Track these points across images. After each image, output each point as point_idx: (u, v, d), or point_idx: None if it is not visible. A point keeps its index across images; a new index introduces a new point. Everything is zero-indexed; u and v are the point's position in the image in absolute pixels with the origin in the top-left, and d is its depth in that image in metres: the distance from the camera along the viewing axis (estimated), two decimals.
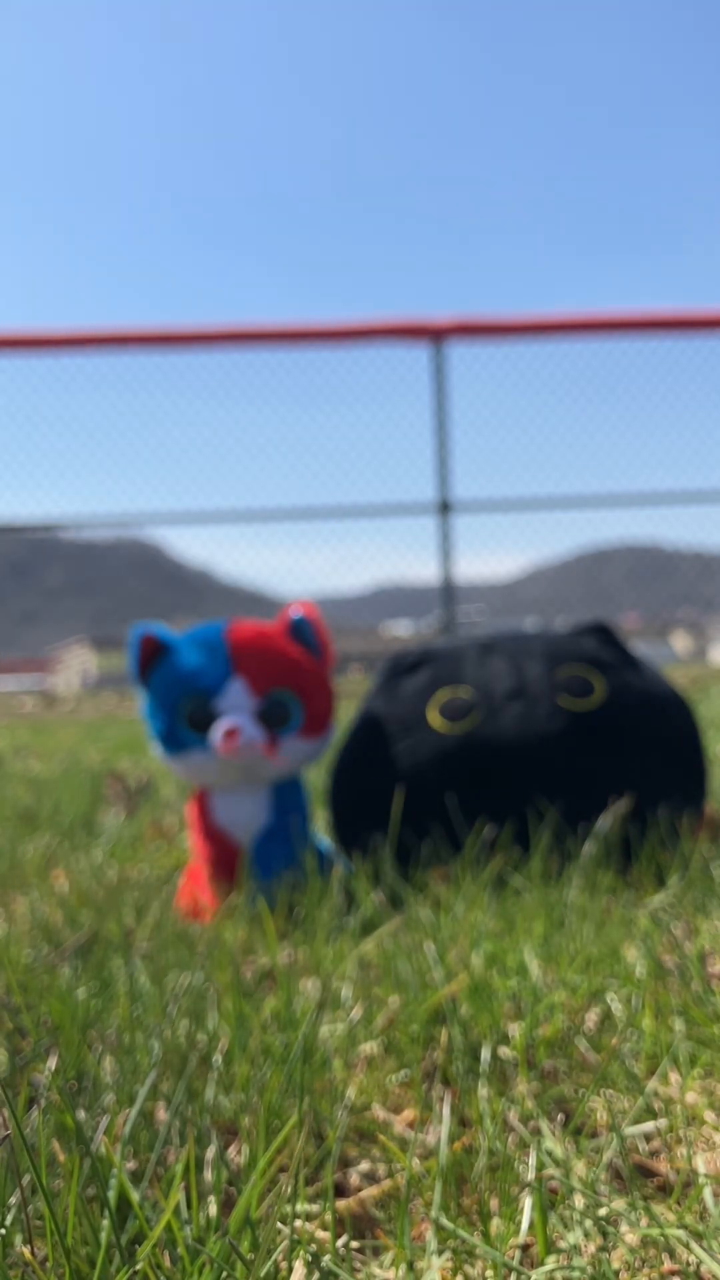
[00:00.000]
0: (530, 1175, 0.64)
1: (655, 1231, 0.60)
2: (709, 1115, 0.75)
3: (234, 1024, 0.88)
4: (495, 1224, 0.63)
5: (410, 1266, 0.58)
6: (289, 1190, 0.62)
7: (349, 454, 5.52)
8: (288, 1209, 0.61)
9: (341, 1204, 0.68)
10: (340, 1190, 0.71)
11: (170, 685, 1.43)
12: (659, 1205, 0.65)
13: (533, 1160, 0.65)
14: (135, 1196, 0.59)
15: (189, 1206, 0.64)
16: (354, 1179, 0.72)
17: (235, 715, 1.39)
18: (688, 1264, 0.58)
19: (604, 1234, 0.60)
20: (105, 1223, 0.57)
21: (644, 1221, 0.61)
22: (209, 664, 1.42)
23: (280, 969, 1.02)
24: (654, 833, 1.45)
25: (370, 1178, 0.72)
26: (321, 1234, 0.64)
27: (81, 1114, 0.75)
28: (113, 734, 6.11)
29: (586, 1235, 0.60)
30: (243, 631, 1.46)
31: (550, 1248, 0.60)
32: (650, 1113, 0.76)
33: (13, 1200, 0.62)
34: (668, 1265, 0.59)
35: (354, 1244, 0.64)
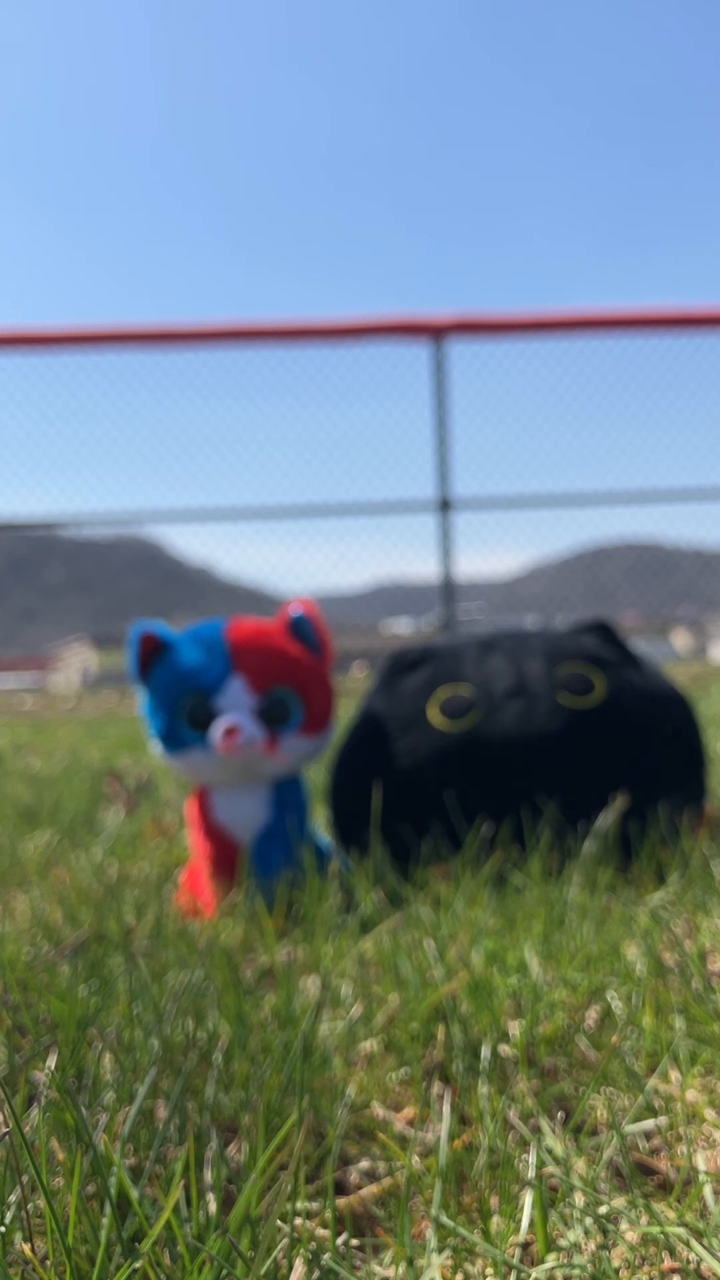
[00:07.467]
0: (530, 1173, 0.64)
1: (655, 1229, 0.60)
2: (709, 1113, 0.75)
3: (234, 1022, 0.88)
4: (495, 1222, 0.63)
5: (410, 1264, 0.58)
6: (289, 1188, 0.62)
7: (349, 451, 5.53)
8: (288, 1207, 0.61)
9: (341, 1202, 0.68)
10: (340, 1188, 0.71)
11: (170, 683, 1.43)
12: (659, 1203, 0.65)
13: (533, 1158, 0.65)
14: (135, 1194, 0.59)
15: (189, 1204, 0.64)
16: (354, 1177, 0.72)
17: (235, 713, 1.39)
18: (688, 1262, 0.58)
19: (604, 1232, 0.60)
20: (105, 1220, 0.57)
21: (644, 1219, 0.61)
22: (208, 662, 1.42)
23: (280, 967, 1.02)
24: (654, 830, 1.45)
25: (370, 1176, 0.72)
26: (321, 1232, 0.64)
27: (81, 1112, 0.75)
28: (113, 732, 6.11)
29: (587, 1233, 0.60)
30: (242, 629, 1.46)
31: (550, 1245, 0.60)
32: (650, 1110, 0.76)
33: (12, 1198, 0.62)
34: (668, 1263, 0.59)
35: (354, 1242, 0.64)
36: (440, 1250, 0.60)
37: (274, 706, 1.41)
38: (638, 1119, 0.75)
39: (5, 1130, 0.63)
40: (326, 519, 5.34)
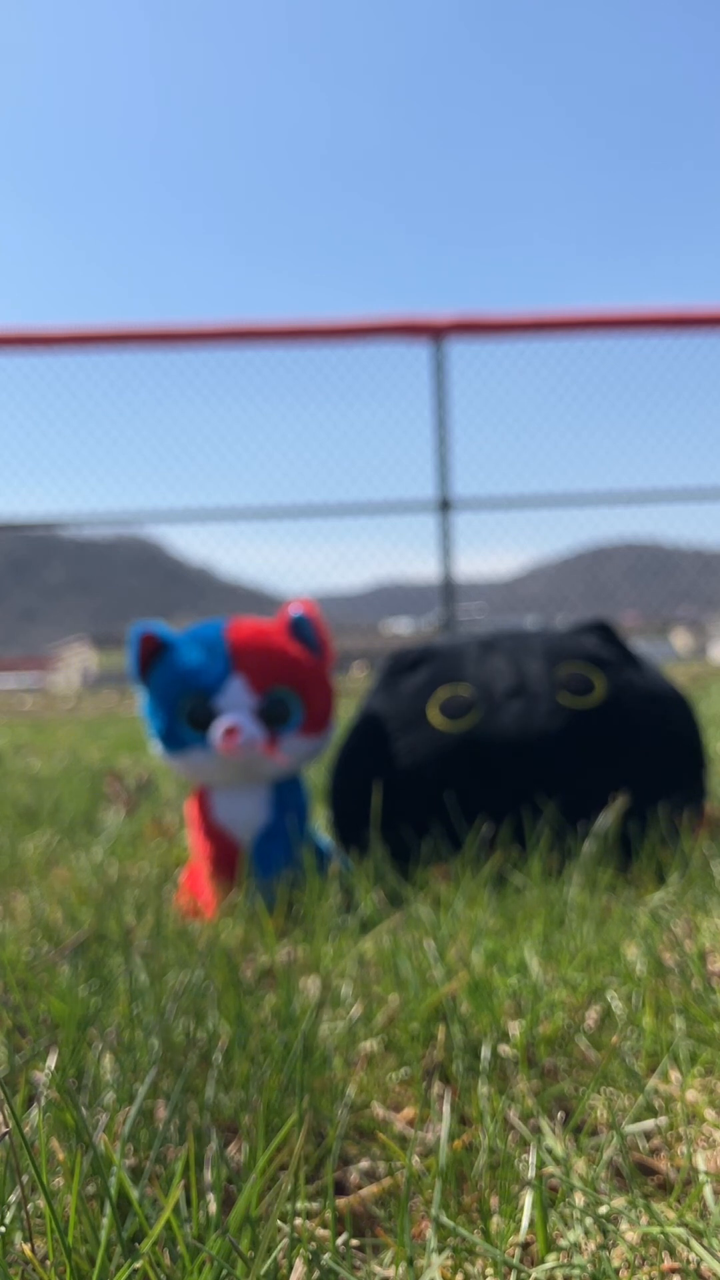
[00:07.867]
0: (530, 1173, 0.64)
1: (655, 1229, 0.60)
2: (709, 1113, 0.75)
3: (234, 1022, 0.88)
4: (495, 1222, 0.63)
5: (410, 1264, 0.58)
6: (289, 1188, 0.62)
7: (349, 451, 5.53)
8: (288, 1207, 0.61)
9: (341, 1202, 0.68)
10: (340, 1188, 0.71)
11: (170, 683, 1.43)
12: (659, 1203, 0.65)
13: (533, 1158, 0.65)
14: (135, 1194, 0.59)
15: (189, 1204, 0.64)
16: (354, 1177, 0.72)
17: (235, 713, 1.39)
18: (688, 1262, 0.58)
19: (604, 1232, 0.60)
20: (105, 1220, 0.57)
21: (644, 1219, 0.61)
22: (209, 662, 1.42)
23: (280, 967, 1.02)
24: (654, 830, 1.45)
25: (370, 1176, 0.72)
26: (321, 1232, 0.64)
27: (81, 1112, 0.75)
28: (113, 732, 6.11)
29: (587, 1233, 0.60)
30: (242, 629, 1.46)
31: (550, 1246, 0.60)
32: (650, 1110, 0.76)
33: (13, 1198, 0.62)
34: (668, 1263, 0.59)
35: (354, 1242, 0.64)
36: (440, 1250, 0.60)
37: (274, 706, 1.41)
38: (638, 1119, 0.75)
39: (5, 1130, 0.63)
40: (326, 519, 5.34)
